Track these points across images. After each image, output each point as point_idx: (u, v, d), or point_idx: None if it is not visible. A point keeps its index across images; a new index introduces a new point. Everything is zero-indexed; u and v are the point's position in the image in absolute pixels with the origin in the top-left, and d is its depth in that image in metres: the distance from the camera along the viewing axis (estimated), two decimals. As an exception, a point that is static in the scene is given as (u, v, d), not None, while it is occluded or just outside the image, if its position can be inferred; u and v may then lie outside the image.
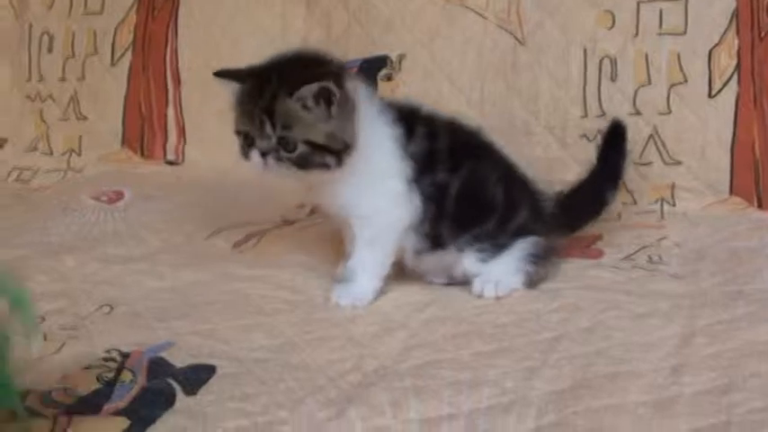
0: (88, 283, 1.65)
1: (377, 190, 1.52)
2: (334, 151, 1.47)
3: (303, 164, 1.47)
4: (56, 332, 1.44)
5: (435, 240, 1.56)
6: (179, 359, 1.32)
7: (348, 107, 1.48)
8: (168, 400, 1.20)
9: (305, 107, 1.45)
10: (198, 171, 2.33)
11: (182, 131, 2.40)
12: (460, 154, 1.56)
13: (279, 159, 1.47)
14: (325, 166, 1.48)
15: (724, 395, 1.17)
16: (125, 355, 1.33)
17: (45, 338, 1.40)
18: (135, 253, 1.82)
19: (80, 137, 2.47)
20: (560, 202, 1.71)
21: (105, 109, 2.46)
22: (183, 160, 2.39)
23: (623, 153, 1.79)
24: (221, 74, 1.53)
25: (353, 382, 1.23)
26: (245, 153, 1.49)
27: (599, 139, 1.87)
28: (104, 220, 2.04)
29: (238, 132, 1.50)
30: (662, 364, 1.26)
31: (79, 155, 2.46)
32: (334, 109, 1.46)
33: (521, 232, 1.58)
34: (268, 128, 1.45)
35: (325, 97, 1.45)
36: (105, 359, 1.32)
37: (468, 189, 1.55)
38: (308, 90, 1.44)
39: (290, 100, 1.45)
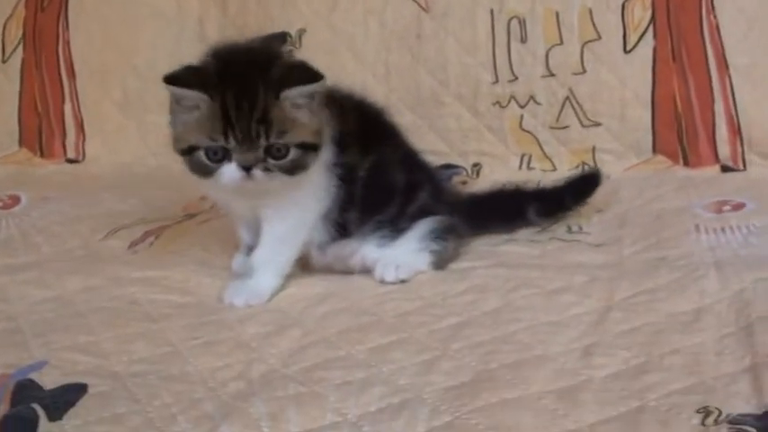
0: (-32, 299, 1.53)
1: (303, 181, 1.39)
2: (317, 147, 1.36)
3: (294, 169, 1.34)
4: None
5: (341, 229, 1.45)
6: (50, 380, 1.20)
7: (319, 97, 1.37)
8: (29, 428, 1.09)
9: (295, 106, 1.33)
10: (99, 167, 2.23)
11: (80, 127, 2.28)
12: (369, 136, 1.46)
13: (267, 170, 1.33)
14: (308, 167, 1.36)
15: (638, 377, 1.07)
16: (-10, 380, 1.21)
17: None
18: (23, 261, 1.69)
19: (-25, 139, 2.34)
20: (479, 199, 1.63)
21: (0, 109, 2.33)
22: (83, 157, 2.27)
23: (577, 198, 1.65)
24: (173, 81, 1.34)
25: (234, 392, 1.12)
26: (211, 170, 1.34)
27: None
28: (-2, 227, 1.91)
29: (195, 148, 1.34)
30: (572, 346, 1.17)
31: (-25, 158, 2.34)
32: (315, 103, 1.35)
33: (421, 214, 1.48)
34: (262, 139, 1.31)
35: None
36: (-32, 386, 1.20)
37: (375, 173, 1.44)
38: (303, 90, 1.33)
39: (281, 103, 1.32)
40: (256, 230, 1.47)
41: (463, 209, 1.55)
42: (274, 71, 1.34)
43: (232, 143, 1.31)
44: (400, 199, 1.46)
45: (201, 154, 1.34)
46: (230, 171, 1.33)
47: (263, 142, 1.32)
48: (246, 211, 1.46)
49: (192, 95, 1.33)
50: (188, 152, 1.36)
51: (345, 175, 1.42)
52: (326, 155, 1.40)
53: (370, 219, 1.45)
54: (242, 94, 1.31)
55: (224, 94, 1.31)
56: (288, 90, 1.32)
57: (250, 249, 1.49)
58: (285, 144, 1.33)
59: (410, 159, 1.52)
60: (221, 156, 1.33)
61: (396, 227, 1.46)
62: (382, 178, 1.45)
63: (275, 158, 1.33)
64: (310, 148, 1.36)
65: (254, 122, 1.31)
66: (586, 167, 1.88)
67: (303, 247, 1.45)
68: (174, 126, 1.38)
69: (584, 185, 1.65)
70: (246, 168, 1.32)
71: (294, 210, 1.42)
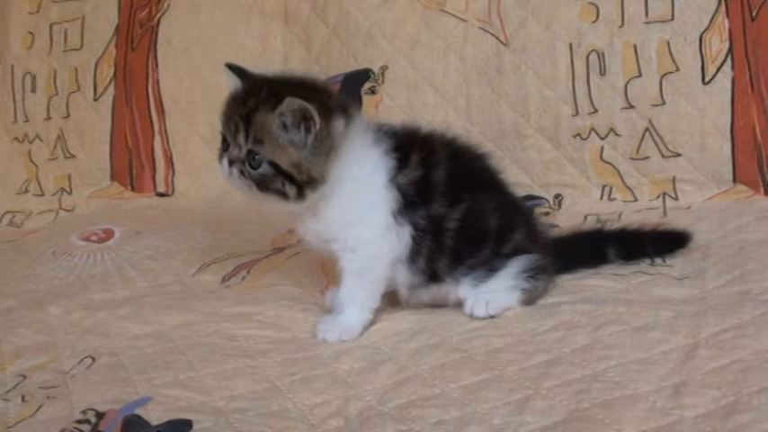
0: (72, 334, 1.60)
1: (363, 222, 1.45)
2: (296, 181, 1.41)
3: (262, 185, 1.41)
4: (35, 392, 1.38)
5: (431, 275, 1.48)
6: (155, 415, 1.26)
7: (327, 144, 1.41)
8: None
9: (283, 126, 1.39)
10: (188, 201, 2.31)
11: (169, 162, 2.35)
12: (459, 185, 1.48)
13: (242, 173, 1.41)
14: (284, 195, 1.42)
15: (729, 417, 1.09)
16: (100, 416, 1.27)
17: (23, 400, 1.35)
18: (121, 296, 1.76)
19: (69, 175, 2.45)
20: (563, 240, 1.66)
21: (92, 145, 2.43)
22: (173, 191, 2.35)
23: (659, 251, 1.64)
24: (232, 67, 1.47)
25: (333, 429, 1.17)
26: (220, 157, 1.45)
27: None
28: (93, 261, 1.98)
29: (222, 134, 1.46)
30: (662, 384, 1.19)
31: (70, 193, 2.44)
32: (310, 138, 1.39)
33: (515, 254, 1.50)
34: (241, 137, 1.40)
35: (305, 122, 1.38)
36: (80, 421, 1.26)
37: (467, 222, 1.47)
38: (289, 106, 1.37)
39: (271, 114, 1.38)
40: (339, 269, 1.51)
41: (551, 249, 1.57)
42: (288, 90, 1.40)
43: (228, 134, 1.42)
44: (493, 243, 1.48)
45: (220, 141, 1.46)
46: (224, 162, 1.43)
47: (241, 140, 1.40)
48: (318, 245, 1.51)
49: (230, 80, 1.45)
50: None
51: (431, 227, 1.45)
52: (392, 203, 1.44)
53: (461, 265, 1.48)
54: (250, 92, 1.42)
55: (238, 92, 1.43)
56: (282, 105, 1.38)
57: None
58: (259, 155, 1.40)
59: (505, 204, 1.53)
60: (225, 147, 1.44)
61: (490, 267, 1.49)
62: (475, 226, 1.47)
63: (251, 166, 1.40)
64: (284, 175, 1.40)
65: (236, 115, 1.41)
66: (668, 199, 1.89)
67: (390, 285, 1.49)
68: None
69: (669, 242, 1.65)
70: (231, 164, 1.41)
71: (362, 248, 1.46)
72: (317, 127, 1.39)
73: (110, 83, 2.42)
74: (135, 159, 2.38)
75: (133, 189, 2.38)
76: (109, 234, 2.14)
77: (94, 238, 2.13)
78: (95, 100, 2.43)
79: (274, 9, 2.30)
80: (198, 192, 2.30)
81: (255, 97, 1.41)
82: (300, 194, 1.41)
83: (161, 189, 2.36)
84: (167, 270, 1.87)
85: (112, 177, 2.40)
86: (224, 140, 1.44)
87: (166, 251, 1.98)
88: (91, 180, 2.42)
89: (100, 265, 1.96)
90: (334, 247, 1.48)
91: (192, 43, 2.36)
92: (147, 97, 2.38)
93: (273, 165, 1.40)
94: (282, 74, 1.53)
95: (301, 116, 1.38)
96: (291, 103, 1.37)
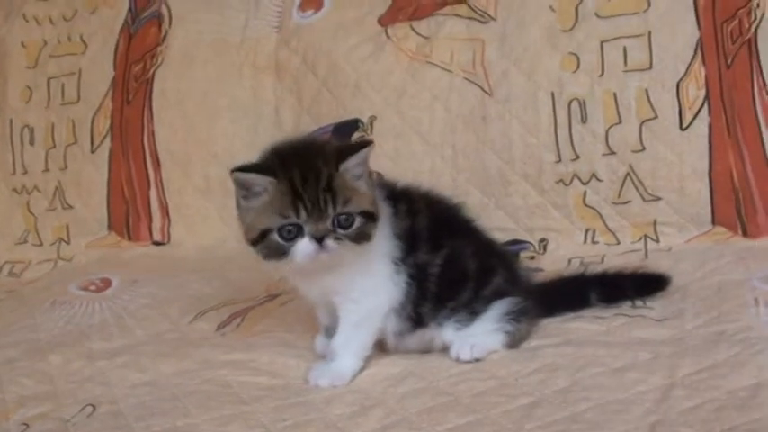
0: (73, 383, 1.64)
1: (370, 271, 1.50)
2: (376, 218, 1.46)
3: (359, 238, 1.44)
4: (37, 442, 1.43)
5: (416, 321, 1.54)
6: (155, 462, 1.30)
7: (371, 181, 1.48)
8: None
9: (353, 177, 1.44)
10: (184, 250, 2.36)
11: (165, 212, 2.41)
12: (441, 232, 1.54)
13: (337, 239, 1.42)
14: (371, 237, 1.46)
15: (699, 455, 1.14)
16: (101, 462, 1.32)
17: (25, 451, 1.40)
18: (119, 345, 1.81)
19: (67, 225, 2.50)
20: (547, 284, 1.72)
21: (90, 196, 2.49)
22: (168, 240, 2.40)
23: (639, 294, 1.69)
24: (245, 169, 1.43)
25: (326, 473, 1.21)
26: (285, 249, 1.42)
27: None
28: (92, 310, 2.03)
29: (268, 231, 1.43)
30: (639, 424, 1.24)
31: (68, 243, 2.49)
32: (367, 176, 1.46)
33: (496, 296, 1.56)
34: (330, 208, 1.42)
35: (362, 165, 1.45)
36: (82, 468, 1.31)
37: (448, 267, 1.53)
38: (358, 158, 1.43)
39: (341, 174, 1.43)
40: (331, 312, 1.56)
41: (534, 292, 1.62)
42: (328, 149, 1.45)
43: (303, 216, 1.41)
44: (474, 285, 1.54)
45: (275, 235, 1.43)
46: (303, 246, 1.42)
47: (330, 212, 1.41)
48: (319, 297, 1.56)
49: (260, 180, 1.43)
50: (261, 238, 1.44)
51: (417, 274, 1.51)
52: (394, 251, 1.50)
53: (443, 308, 1.53)
54: (305, 170, 1.42)
55: (289, 173, 1.42)
56: (345, 162, 1.43)
57: (329, 330, 1.59)
58: (350, 213, 1.42)
59: (483, 248, 1.59)
60: (294, 233, 1.42)
61: (471, 310, 1.54)
62: (455, 270, 1.53)
63: (343, 228, 1.42)
64: (370, 218, 1.45)
65: (320, 192, 1.40)
66: (650, 241, 1.95)
67: (379, 334, 1.54)
68: (244, 217, 1.47)
69: (649, 285, 1.70)
70: (318, 240, 1.41)
71: (364, 298, 1.51)
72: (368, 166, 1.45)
73: (106, 135, 2.49)
74: (131, 209, 2.44)
75: (130, 238, 2.43)
76: (106, 283, 2.19)
77: (92, 287, 2.18)
78: (92, 152, 2.49)
79: (266, 62, 2.36)
80: (193, 240, 2.36)
81: (317, 169, 1.42)
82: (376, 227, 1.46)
83: (157, 238, 2.41)
84: (164, 318, 1.92)
85: (109, 227, 2.46)
86: (288, 230, 1.42)
87: (163, 299, 2.02)
88: (88, 230, 2.47)
89: (98, 315, 2.00)
90: (336, 299, 1.52)
91: (185, 96, 2.42)
92: (143, 149, 2.44)
93: (363, 214, 1.44)
94: (285, 147, 1.50)
95: (362, 160, 1.44)
96: (359, 157, 1.43)
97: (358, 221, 1.43)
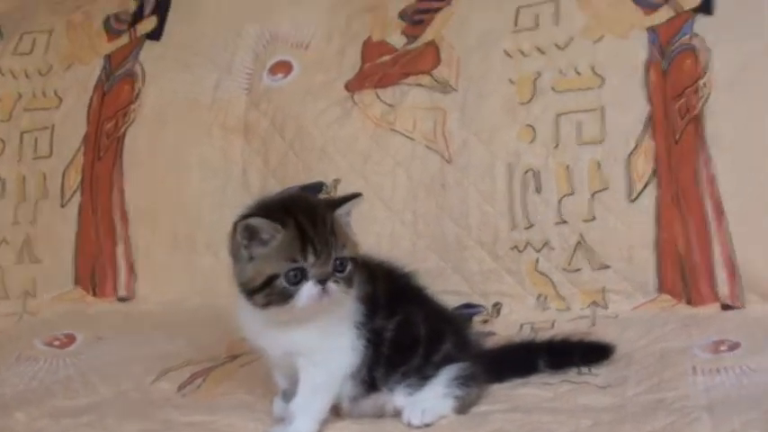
0: (38, 442, 1.67)
1: (334, 333, 1.55)
2: (359, 266, 1.52)
3: (350, 282, 1.50)
4: (2, 500, 1.46)
5: (370, 385, 1.58)
6: None
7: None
8: None
9: (345, 224, 1.52)
10: (148, 306, 2.38)
11: (131, 268, 2.44)
12: (396, 299, 1.60)
13: (336, 282, 1.48)
14: (353, 284, 1.51)
15: None
16: None
17: None
18: (84, 403, 1.83)
19: (34, 279, 2.51)
20: (496, 351, 1.78)
21: (58, 250, 2.51)
22: (134, 296, 2.43)
23: (585, 361, 1.75)
24: (249, 216, 1.48)
25: None
26: (290, 293, 1.46)
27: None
28: (56, 366, 2.05)
29: (274, 277, 1.46)
30: (574, 495, 1.30)
31: (34, 297, 2.50)
32: (350, 227, 1.53)
33: (445, 362, 1.61)
34: (333, 251, 1.47)
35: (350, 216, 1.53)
36: None
37: (400, 332, 1.58)
38: (349, 206, 1.52)
39: (335, 219, 1.50)
40: (290, 376, 1.60)
41: (484, 358, 1.68)
42: (316, 199, 1.56)
43: (311, 259, 1.46)
44: (424, 350, 1.59)
45: (281, 280, 1.46)
46: (308, 289, 1.46)
47: (333, 254, 1.47)
48: (282, 358, 1.60)
49: (269, 226, 1.47)
50: (266, 284, 1.47)
51: (374, 338, 1.56)
52: (356, 315, 1.56)
53: (395, 372, 1.58)
54: (310, 215, 1.48)
55: (295, 218, 1.47)
56: (340, 208, 1.51)
57: (286, 394, 1.63)
58: (345, 257, 1.49)
59: (434, 314, 1.65)
60: (299, 277, 1.46)
61: (422, 375, 1.59)
62: (407, 335, 1.58)
63: (339, 272, 1.48)
64: (357, 265, 1.52)
65: (328, 235, 1.47)
66: (598, 308, 2.03)
67: (335, 398, 1.59)
68: (246, 266, 1.50)
69: (594, 354, 1.77)
70: (322, 283, 1.47)
71: (326, 362, 1.55)
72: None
73: (77, 190, 2.51)
74: (98, 265, 2.46)
75: (95, 294, 2.45)
76: (71, 339, 2.21)
77: (57, 343, 2.19)
78: (62, 206, 2.51)
79: (235, 123, 2.41)
80: (157, 296, 2.38)
81: (320, 214, 1.48)
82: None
83: (122, 294, 2.43)
84: (128, 377, 1.94)
85: (75, 282, 2.47)
86: (295, 275, 1.46)
87: (127, 357, 2.04)
88: (54, 284, 2.48)
89: (63, 371, 2.02)
90: (300, 360, 1.55)
91: (156, 153, 2.47)
92: (111, 205, 2.47)
93: (353, 260, 1.50)
94: (273, 198, 1.61)
95: (350, 210, 1.53)
96: (353, 203, 1.52)
97: (350, 266, 1.49)
